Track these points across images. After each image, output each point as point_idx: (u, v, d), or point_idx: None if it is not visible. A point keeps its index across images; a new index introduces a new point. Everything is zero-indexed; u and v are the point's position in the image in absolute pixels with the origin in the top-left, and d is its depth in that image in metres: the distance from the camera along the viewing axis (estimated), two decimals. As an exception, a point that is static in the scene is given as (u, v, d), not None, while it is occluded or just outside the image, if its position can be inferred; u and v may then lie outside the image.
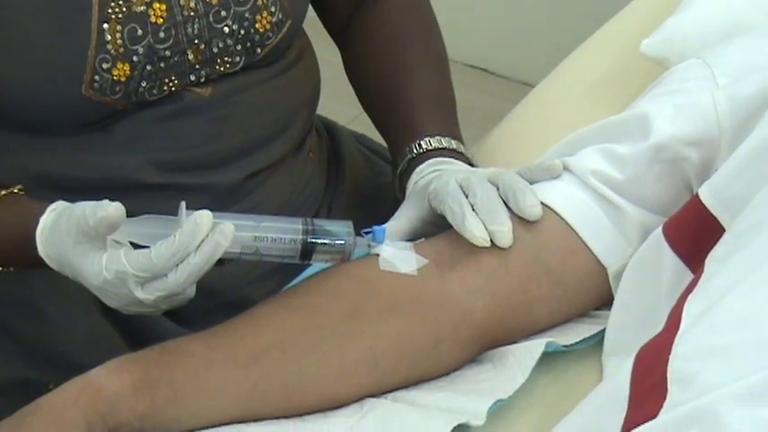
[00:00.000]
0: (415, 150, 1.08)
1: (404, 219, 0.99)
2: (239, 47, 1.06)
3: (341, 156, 1.23)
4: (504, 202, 0.94)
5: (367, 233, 0.93)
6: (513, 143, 1.22)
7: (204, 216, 0.85)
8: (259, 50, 1.08)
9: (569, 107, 1.24)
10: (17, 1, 0.98)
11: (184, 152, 1.07)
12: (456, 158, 1.06)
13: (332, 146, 1.24)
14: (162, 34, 1.02)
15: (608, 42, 1.32)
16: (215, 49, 1.05)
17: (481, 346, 0.93)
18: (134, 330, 1.06)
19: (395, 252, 0.92)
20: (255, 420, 0.87)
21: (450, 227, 0.93)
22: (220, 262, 0.87)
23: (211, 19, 1.04)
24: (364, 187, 1.23)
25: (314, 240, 0.90)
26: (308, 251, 0.90)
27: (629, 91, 1.14)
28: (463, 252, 0.92)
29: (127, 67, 1.01)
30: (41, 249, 0.92)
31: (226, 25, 1.05)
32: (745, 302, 0.73)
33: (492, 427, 0.86)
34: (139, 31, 1.01)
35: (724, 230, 0.83)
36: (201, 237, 0.85)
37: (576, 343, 0.93)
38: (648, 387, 0.73)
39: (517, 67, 2.42)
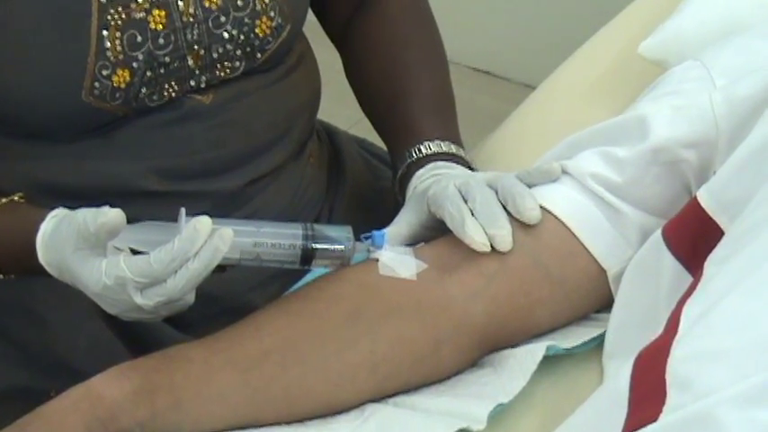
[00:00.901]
0: (414, 155, 1.08)
1: (403, 223, 0.99)
2: (239, 52, 1.06)
3: (341, 160, 1.23)
4: (503, 205, 0.94)
5: (366, 238, 0.93)
6: (515, 145, 1.22)
7: (203, 221, 0.85)
8: (259, 55, 1.08)
9: (570, 109, 1.24)
10: (17, 8, 0.98)
11: (186, 159, 1.07)
12: (456, 163, 1.07)
13: (332, 150, 1.25)
14: (161, 40, 1.02)
15: (607, 44, 1.32)
16: (215, 55, 1.05)
17: (482, 349, 0.93)
18: (135, 337, 1.07)
19: (394, 256, 0.92)
20: (257, 426, 0.87)
21: (449, 231, 0.94)
22: (221, 268, 0.88)
23: (211, 24, 1.04)
24: (365, 191, 1.23)
25: (314, 245, 0.90)
26: (307, 256, 0.91)
27: (628, 92, 1.14)
28: (463, 256, 0.93)
29: (127, 74, 1.01)
30: (41, 256, 0.92)
31: (225, 30, 1.05)
32: (742, 305, 0.73)
33: (493, 431, 0.86)
34: (139, 38, 1.01)
35: (723, 233, 0.83)
36: (200, 242, 0.85)
37: (577, 346, 0.93)
38: (648, 390, 0.73)
39: (518, 69, 2.42)
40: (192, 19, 1.03)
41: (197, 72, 1.05)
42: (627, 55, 1.24)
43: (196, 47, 1.04)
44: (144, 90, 1.03)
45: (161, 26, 1.02)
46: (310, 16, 1.17)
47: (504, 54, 2.46)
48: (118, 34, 1.00)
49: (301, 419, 0.88)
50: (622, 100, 1.13)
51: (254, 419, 0.87)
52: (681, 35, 1.17)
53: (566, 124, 1.13)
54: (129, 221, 0.87)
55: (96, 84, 1.00)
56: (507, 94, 2.32)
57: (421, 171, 1.06)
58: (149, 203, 1.05)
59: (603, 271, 0.94)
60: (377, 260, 0.92)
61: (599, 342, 0.94)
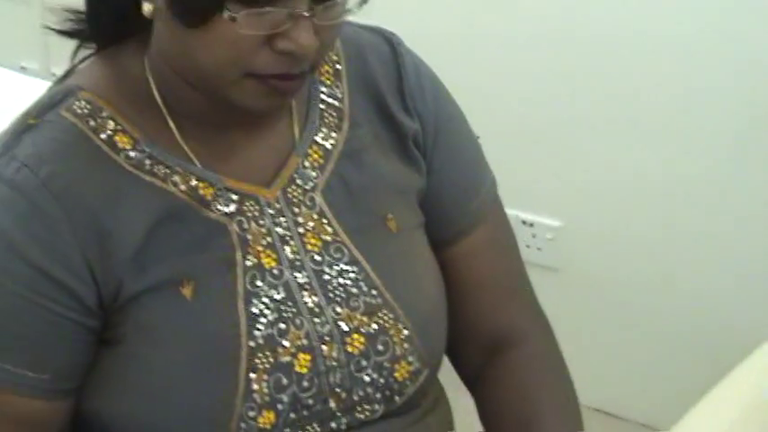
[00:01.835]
0: None
1: None
2: (379, 395, 1.11)
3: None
4: None
5: None
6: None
7: None
8: (398, 398, 1.12)
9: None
10: (164, 346, 1.05)
11: None
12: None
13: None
14: (306, 383, 1.07)
15: (736, 390, 1.32)
16: (356, 397, 1.10)
17: None
18: None
19: None
20: None
21: None
22: None
23: (353, 368, 1.09)
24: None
25: None
26: None
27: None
28: None
29: (272, 415, 1.06)
30: None
31: (366, 374, 1.10)
32: None
33: None
34: (285, 380, 1.07)
35: None
36: None
37: None
38: None
39: (641, 411, 2.41)
40: (335, 363, 1.09)
41: (338, 414, 1.09)
42: (757, 403, 1.24)
43: (338, 390, 1.09)
44: (287, 431, 1.07)
45: (306, 369, 1.08)
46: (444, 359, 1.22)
47: (626, 395, 2.46)
48: (265, 377, 1.06)
49: None
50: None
51: None
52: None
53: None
54: None
55: (242, 424, 1.04)
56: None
57: None
58: None
59: None
60: None
61: None
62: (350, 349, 1.09)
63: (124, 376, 1.06)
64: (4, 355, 1.04)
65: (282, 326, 1.07)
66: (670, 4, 2.16)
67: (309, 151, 1.13)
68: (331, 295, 1.10)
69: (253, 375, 1.05)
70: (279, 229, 1.10)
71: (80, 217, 1.02)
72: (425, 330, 1.14)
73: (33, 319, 1.03)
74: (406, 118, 1.20)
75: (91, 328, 1.05)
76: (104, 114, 1.06)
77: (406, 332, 1.12)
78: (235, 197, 1.08)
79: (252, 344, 1.05)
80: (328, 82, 1.17)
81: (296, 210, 1.11)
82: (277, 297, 1.08)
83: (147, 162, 1.06)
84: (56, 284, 1.02)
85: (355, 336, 1.10)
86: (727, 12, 2.12)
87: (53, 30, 1.13)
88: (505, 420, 1.20)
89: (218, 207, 1.08)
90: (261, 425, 1.05)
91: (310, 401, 1.08)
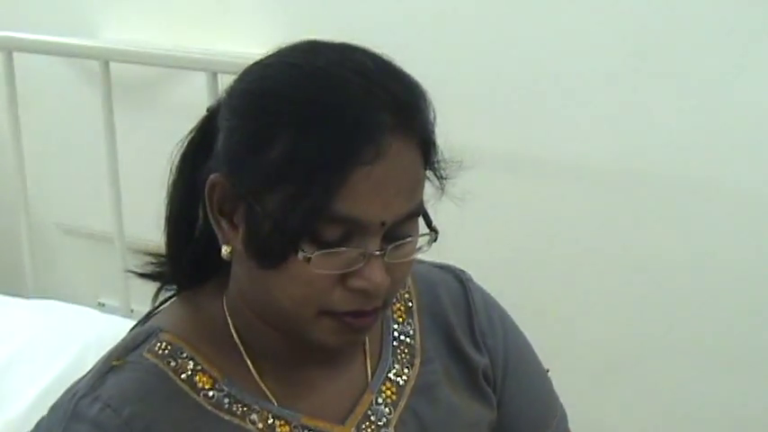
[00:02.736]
0: None
1: None
2: None
3: None
4: None
5: None
6: None
7: None
8: None
9: None
10: None
11: None
12: None
13: None
14: None
15: None
16: None
17: None
18: None
19: None
20: None
21: None
22: None
23: None
24: None
25: None
26: None
27: None
28: None
29: None
30: None
31: None
32: None
33: None
34: None
35: None
36: None
37: None
38: None
39: None
40: None
41: None
42: None
43: None
44: None
45: None
46: None
47: None
48: None
49: None
50: None
51: None
52: None
53: None
54: None
55: None
56: None
57: None
58: None
59: None
60: None
61: None
62: None
63: None
64: None
65: None
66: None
67: (383, 388, 1.15)
68: None
69: None
70: None
71: None
72: None
73: None
74: (476, 353, 1.22)
75: None
76: (184, 355, 1.10)
77: None
78: None
79: None
80: (401, 319, 1.20)
81: None
82: None
83: (226, 401, 1.09)
84: None
85: None
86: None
87: (135, 273, 1.18)
88: None
89: None
90: None
91: None
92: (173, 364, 1.09)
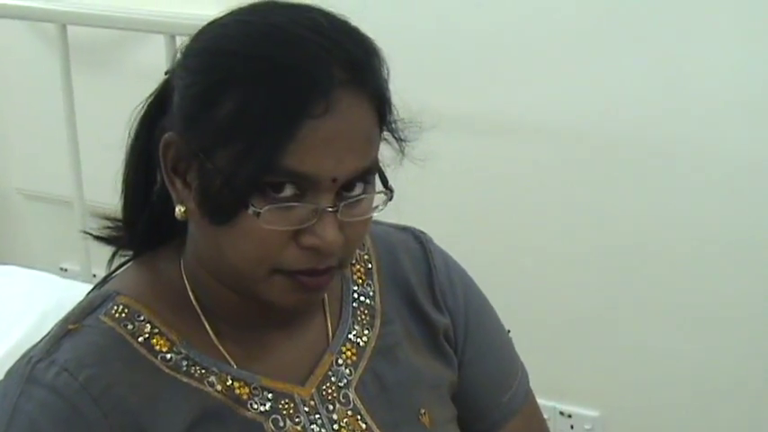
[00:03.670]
0: None
1: None
2: None
3: None
4: None
5: None
6: None
7: None
8: None
9: None
10: None
11: None
12: None
13: None
14: None
15: None
16: None
17: None
18: None
19: None
20: None
21: None
22: None
23: None
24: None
25: None
26: None
27: None
28: None
29: None
30: None
31: None
32: None
33: None
34: None
35: None
36: None
37: None
38: None
39: None
40: None
41: None
42: None
43: None
44: None
45: None
46: None
47: None
48: None
49: None
50: None
51: None
52: None
53: None
54: None
55: None
56: None
57: None
58: None
59: None
60: None
61: None
62: None
63: None
64: None
65: None
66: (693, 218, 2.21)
67: (343, 349, 1.15)
68: (367, 490, 1.11)
69: None
70: (314, 427, 1.11)
71: (119, 419, 1.04)
72: None
73: None
74: (437, 314, 1.22)
75: None
76: (141, 318, 1.09)
77: None
78: (270, 396, 1.10)
79: None
80: (360, 281, 1.20)
81: (330, 407, 1.12)
82: (313, 493, 1.09)
83: (184, 363, 1.08)
84: None
85: None
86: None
87: (92, 236, 1.17)
88: None
89: (254, 406, 1.09)
90: None
91: None
92: (129, 327, 1.08)
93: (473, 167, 2.39)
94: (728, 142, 2.13)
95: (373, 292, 1.20)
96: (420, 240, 1.26)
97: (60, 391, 1.03)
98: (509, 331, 1.31)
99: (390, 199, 1.08)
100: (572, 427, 2.45)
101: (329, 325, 1.17)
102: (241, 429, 1.08)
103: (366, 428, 1.13)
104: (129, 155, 1.13)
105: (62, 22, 2.41)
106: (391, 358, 1.17)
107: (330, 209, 1.01)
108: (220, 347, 1.10)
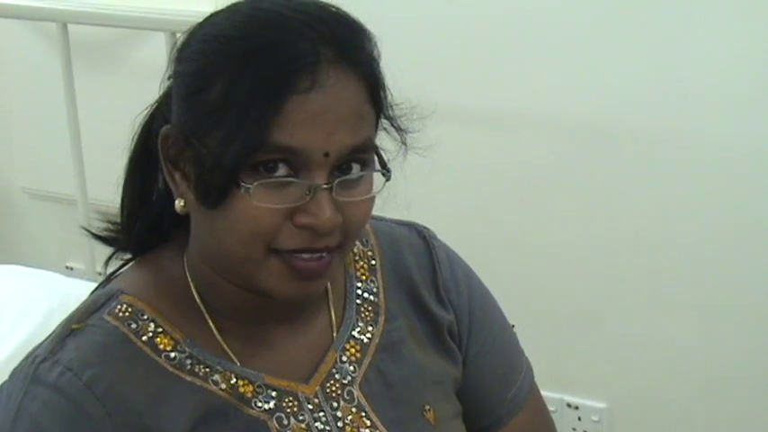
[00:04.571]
0: None
1: None
2: None
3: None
4: None
5: None
6: None
7: None
8: None
9: None
10: None
11: None
12: None
13: None
14: None
15: None
16: None
17: None
18: None
19: None
20: None
21: None
22: None
23: None
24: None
25: None
26: None
27: None
28: None
29: None
30: None
31: None
32: None
33: None
34: None
35: None
36: None
37: None
38: None
39: None
40: None
41: None
42: None
43: None
44: None
45: None
46: None
47: None
48: None
49: None
50: None
51: None
52: None
53: None
54: None
55: None
56: None
57: None
58: None
59: None
60: None
61: None
62: None
63: None
64: None
65: None
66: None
67: (347, 346, 1.15)
68: (372, 487, 1.11)
69: None
70: (318, 424, 1.11)
71: (123, 417, 1.04)
72: None
73: None
74: (441, 310, 1.22)
75: None
76: (145, 317, 1.09)
77: None
78: (274, 393, 1.10)
79: None
80: (364, 277, 1.20)
81: (334, 404, 1.12)
82: (319, 491, 1.09)
83: (188, 362, 1.08)
84: None
85: None
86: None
87: (92, 234, 1.18)
88: None
89: (258, 404, 1.09)
90: None
91: None
92: (133, 326, 1.08)
93: (477, 161, 2.38)
94: (731, 135, 2.13)
95: (377, 288, 1.20)
96: (424, 236, 1.26)
97: (64, 391, 1.03)
98: (513, 326, 1.31)
99: (388, 179, 1.08)
100: (579, 418, 2.44)
101: (333, 323, 1.17)
102: (245, 428, 1.08)
103: (371, 425, 1.13)
104: (129, 161, 1.14)
105: (63, 21, 2.41)
106: (395, 355, 1.17)
107: (324, 185, 1.01)
108: (224, 345, 1.10)
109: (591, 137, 2.26)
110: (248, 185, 1.00)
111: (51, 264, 2.62)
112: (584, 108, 2.24)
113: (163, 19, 2.29)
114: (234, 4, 1.07)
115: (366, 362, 1.15)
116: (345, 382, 1.14)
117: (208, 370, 1.08)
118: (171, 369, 1.07)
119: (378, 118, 1.07)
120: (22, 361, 1.09)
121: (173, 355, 1.08)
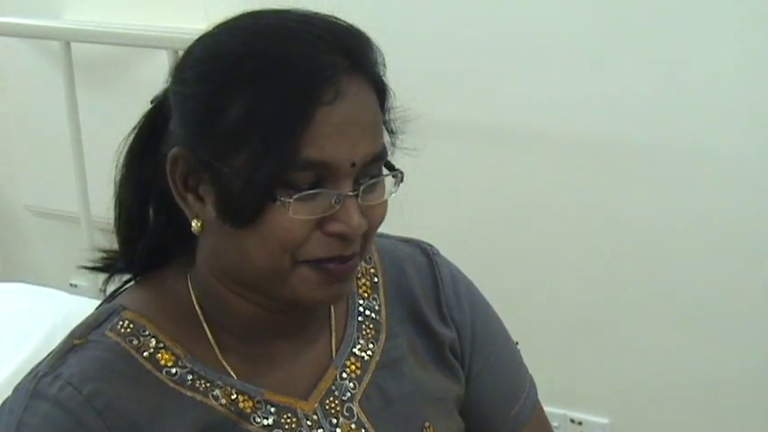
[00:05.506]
0: None
1: None
2: None
3: None
4: None
5: None
6: None
7: None
8: None
9: None
10: None
11: None
12: None
13: None
14: None
15: None
16: None
17: None
18: None
19: None
20: None
21: None
22: None
23: None
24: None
25: None
26: None
27: None
28: None
29: None
30: None
31: None
32: None
33: None
34: None
35: None
36: None
37: None
38: None
39: None
40: None
41: None
42: None
43: None
44: None
45: None
46: None
47: None
48: None
49: None
50: None
51: None
52: None
53: None
54: None
55: None
56: None
57: None
58: None
59: None
60: None
61: None
62: None
63: None
64: None
65: None
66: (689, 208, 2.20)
67: (347, 363, 1.15)
68: (372, 503, 1.11)
69: None
70: None
71: (123, 431, 1.04)
72: None
73: None
74: (443, 327, 1.22)
75: None
76: (147, 333, 1.09)
77: None
78: (273, 410, 1.10)
79: None
80: (366, 294, 1.20)
81: (334, 420, 1.12)
82: (318, 507, 1.09)
83: (189, 377, 1.08)
84: None
85: None
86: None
87: (87, 268, 1.18)
88: None
89: (257, 420, 1.09)
90: None
91: None
92: (135, 342, 1.08)
93: (480, 176, 2.38)
94: (732, 145, 2.13)
95: (379, 305, 1.20)
96: (427, 254, 1.26)
97: (64, 405, 1.04)
98: (517, 343, 1.31)
99: (402, 180, 1.08)
100: (583, 435, 2.44)
101: (334, 340, 1.17)
102: None
103: None
104: (119, 189, 1.13)
105: (66, 40, 2.42)
106: (396, 372, 1.17)
107: (352, 193, 1.02)
108: (223, 361, 1.10)
109: (594, 152, 2.26)
110: (287, 200, 1.00)
111: (55, 281, 2.62)
112: (586, 124, 2.24)
113: (165, 37, 2.30)
114: (230, 21, 1.06)
115: (366, 379, 1.15)
116: (345, 398, 1.14)
117: (208, 385, 1.09)
118: (171, 384, 1.07)
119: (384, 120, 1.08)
120: (25, 377, 1.09)
121: (174, 370, 1.08)
